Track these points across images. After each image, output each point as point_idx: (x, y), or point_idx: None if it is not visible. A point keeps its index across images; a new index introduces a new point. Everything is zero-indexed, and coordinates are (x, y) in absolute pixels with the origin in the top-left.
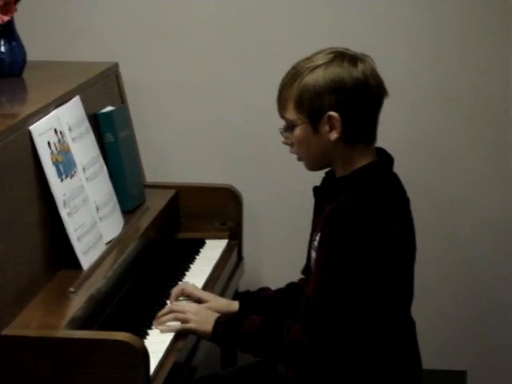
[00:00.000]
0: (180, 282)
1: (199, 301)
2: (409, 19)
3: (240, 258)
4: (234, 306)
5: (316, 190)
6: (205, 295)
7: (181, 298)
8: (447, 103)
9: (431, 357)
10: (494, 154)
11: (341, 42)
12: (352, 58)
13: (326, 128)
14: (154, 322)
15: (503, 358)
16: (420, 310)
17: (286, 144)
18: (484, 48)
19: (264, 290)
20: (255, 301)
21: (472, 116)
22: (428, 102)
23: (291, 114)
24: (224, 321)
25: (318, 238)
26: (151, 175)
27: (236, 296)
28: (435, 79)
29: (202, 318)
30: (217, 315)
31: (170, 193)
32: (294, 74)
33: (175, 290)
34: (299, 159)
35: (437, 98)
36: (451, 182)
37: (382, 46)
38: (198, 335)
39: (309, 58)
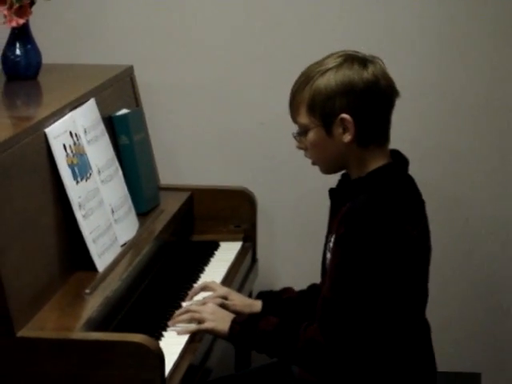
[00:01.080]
0: (202, 282)
1: (224, 298)
2: (418, 22)
3: (254, 260)
4: (257, 306)
5: (332, 191)
6: (230, 294)
7: (202, 295)
8: (457, 105)
9: (446, 359)
10: (505, 155)
11: (352, 45)
12: (362, 61)
13: (340, 130)
14: (170, 323)
15: None
16: (434, 311)
17: (300, 148)
18: (496, 50)
19: (288, 292)
20: (279, 302)
21: (483, 117)
22: (437, 104)
23: (304, 118)
24: (240, 321)
25: (333, 239)
26: (165, 178)
27: (259, 295)
28: (443, 82)
29: (219, 317)
30: (233, 315)
31: (185, 195)
32: (305, 79)
33: (197, 287)
34: (314, 163)
35: (446, 100)
36: (461, 183)
37: (390, 50)
38: (215, 335)
39: (319, 62)
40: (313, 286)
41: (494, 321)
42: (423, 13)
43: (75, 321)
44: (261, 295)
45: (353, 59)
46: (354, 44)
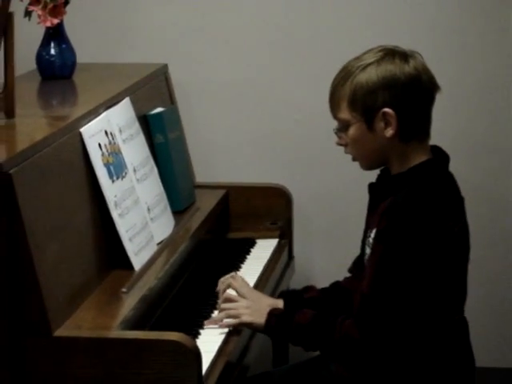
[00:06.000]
0: (228, 276)
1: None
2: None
3: (291, 257)
4: (279, 305)
5: (371, 186)
6: (248, 295)
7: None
8: (499, 101)
9: (484, 355)
10: None
11: (387, 41)
12: (402, 55)
13: (381, 125)
14: (206, 323)
15: None
16: (472, 307)
17: (341, 145)
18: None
19: (310, 291)
20: (301, 302)
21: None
22: (478, 100)
23: (345, 114)
24: (277, 313)
25: (372, 235)
26: (201, 175)
27: (281, 295)
28: (483, 77)
29: (255, 311)
30: (269, 308)
31: (220, 193)
32: (346, 74)
33: (222, 288)
34: (354, 159)
35: (487, 96)
36: (501, 180)
37: (427, 45)
38: (252, 328)
39: (358, 58)
40: (335, 284)
41: None
42: (455, 9)
43: (112, 320)
44: (282, 294)
45: (393, 53)
46: (391, 40)
